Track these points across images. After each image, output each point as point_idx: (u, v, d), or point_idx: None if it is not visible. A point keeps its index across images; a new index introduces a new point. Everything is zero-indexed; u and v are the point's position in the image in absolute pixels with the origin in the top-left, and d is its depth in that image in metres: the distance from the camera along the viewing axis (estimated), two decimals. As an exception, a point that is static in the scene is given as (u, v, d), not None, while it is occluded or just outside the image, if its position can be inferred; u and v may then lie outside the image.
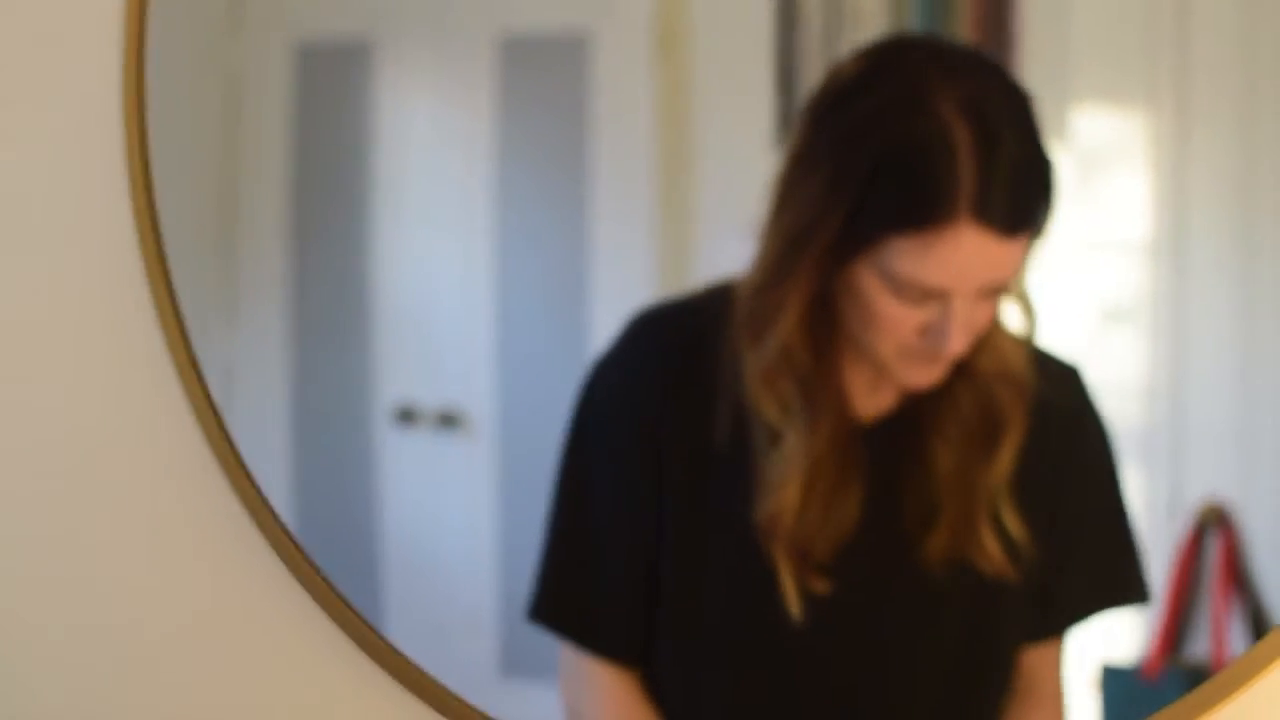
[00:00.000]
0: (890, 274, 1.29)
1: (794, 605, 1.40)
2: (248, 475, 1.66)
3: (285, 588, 1.68)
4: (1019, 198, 1.29)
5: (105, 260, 1.75)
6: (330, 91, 1.86)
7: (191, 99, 1.86)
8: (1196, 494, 1.58)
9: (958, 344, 1.33)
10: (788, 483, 1.39)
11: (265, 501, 1.67)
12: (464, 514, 1.77)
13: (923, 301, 1.31)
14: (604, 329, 1.67)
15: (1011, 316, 1.42)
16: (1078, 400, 1.44)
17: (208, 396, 1.67)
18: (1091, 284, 1.61)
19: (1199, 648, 1.58)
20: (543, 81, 1.80)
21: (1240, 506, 1.57)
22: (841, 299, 1.35)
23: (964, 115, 1.27)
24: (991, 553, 1.40)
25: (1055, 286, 1.57)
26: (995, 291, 1.32)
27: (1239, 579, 1.58)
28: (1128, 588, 1.49)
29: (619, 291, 1.68)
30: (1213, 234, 1.60)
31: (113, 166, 1.73)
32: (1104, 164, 1.62)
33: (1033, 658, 1.48)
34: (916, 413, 1.40)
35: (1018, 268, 1.31)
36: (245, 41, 1.89)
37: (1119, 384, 1.63)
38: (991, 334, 1.39)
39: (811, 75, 1.70)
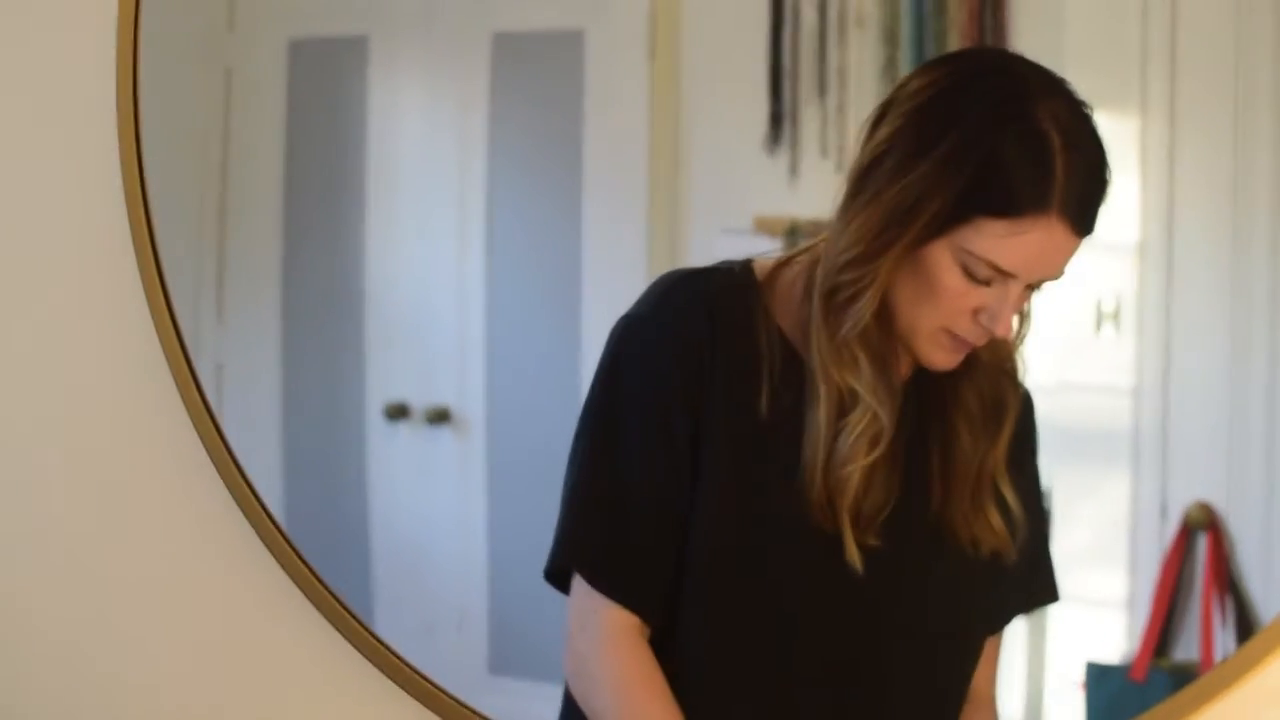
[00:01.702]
0: (970, 253, 1.40)
1: (855, 560, 1.46)
2: (241, 473, 1.67)
3: (276, 581, 1.69)
4: (1093, 203, 1.42)
5: (99, 257, 1.75)
6: (323, 88, 1.86)
7: (185, 96, 1.86)
8: (1184, 496, 1.59)
9: (1006, 327, 1.43)
10: (860, 451, 1.44)
11: (259, 500, 1.67)
12: (454, 512, 1.78)
13: (987, 283, 1.39)
14: (595, 326, 1.67)
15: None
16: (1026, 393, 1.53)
17: (201, 394, 1.67)
18: (1081, 285, 1.62)
19: (1186, 648, 1.59)
20: (536, 81, 1.81)
21: (1228, 509, 1.58)
22: (899, 276, 1.43)
23: (1058, 122, 1.39)
24: (997, 529, 1.46)
25: (1046, 286, 1.58)
26: (1041, 285, 1.42)
27: (1226, 581, 1.58)
28: (1047, 590, 1.55)
29: (610, 289, 1.68)
30: (1201, 237, 1.61)
31: (107, 164, 1.73)
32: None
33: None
34: (932, 390, 1.47)
35: (1068, 264, 1.41)
36: (239, 39, 1.89)
37: (1107, 385, 1.63)
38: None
39: (804, 75, 1.71)
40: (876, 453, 1.45)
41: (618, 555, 1.49)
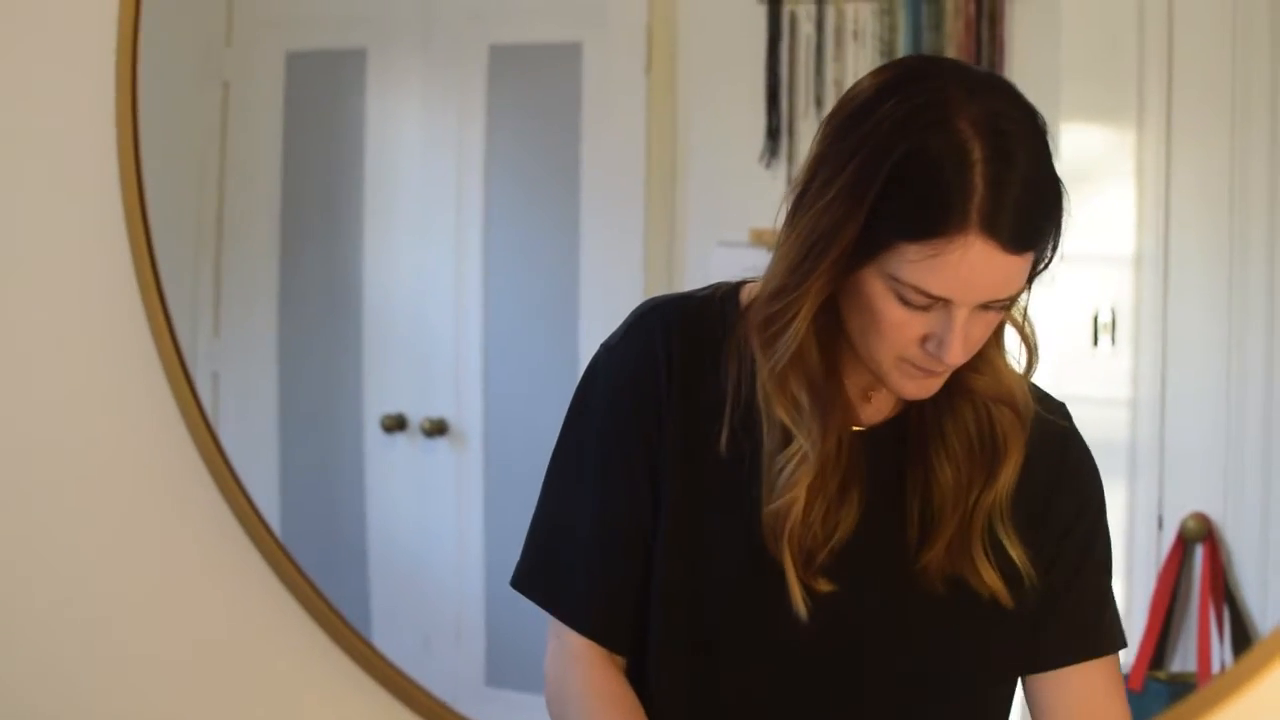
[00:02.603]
0: (898, 280, 1.32)
1: (799, 605, 1.42)
2: (240, 486, 1.67)
3: (273, 593, 1.69)
4: (1026, 216, 1.30)
5: (98, 267, 1.75)
6: (321, 101, 1.86)
7: (183, 110, 1.87)
8: (1181, 507, 1.59)
9: (956, 354, 1.34)
10: (796, 483, 1.41)
11: (258, 513, 1.67)
12: (451, 524, 1.78)
13: (926, 309, 1.34)
14: (592, 338, 1.67)
15: (1015, 347, 1.44)
16: (1071, 435, 1.46)
17: (199, 406, 1.68)
18: (1077, 297, 1.62)
19: (1183, 659, 1.59)
20: (533, 93, 1.81)
21: (1224, 520, 1.58)
22: (846, 306, 1.38)
23: (981, 131, 1.29)
24: (985, 575, 1.41)
25: (1041, 299, 1.58)
26: (996, 307, 1.34)
27: (1223, 591, 1.58)
28: (1107, 640, 1.50)
29: (607, 301, 1.68)
30: (1197, 249, 1.62)
31: (106, 178, 1.73)
32: (1091, 179, 1.63)
33: (1062, 682, 1.48)
34: (920, 424, 1.42)
35: (1020, 286, 1.34)
36: (237, 53, 1.89)
37: (1104, 397, 1.64)
38: (991, 356, 1.40)
39: (802, 87, 1.71)
40: (800, 489, 1.41)
41: (566, 583, 1.49)
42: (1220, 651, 1.58)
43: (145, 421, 1.75)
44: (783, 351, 1.37)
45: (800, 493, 1.37)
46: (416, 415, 1.77)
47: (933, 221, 1.27)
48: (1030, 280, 1.35)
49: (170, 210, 1.77)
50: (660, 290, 1.63)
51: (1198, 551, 1.59)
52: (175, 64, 1.83)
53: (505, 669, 1.73)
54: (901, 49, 1.69)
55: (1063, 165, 1.55)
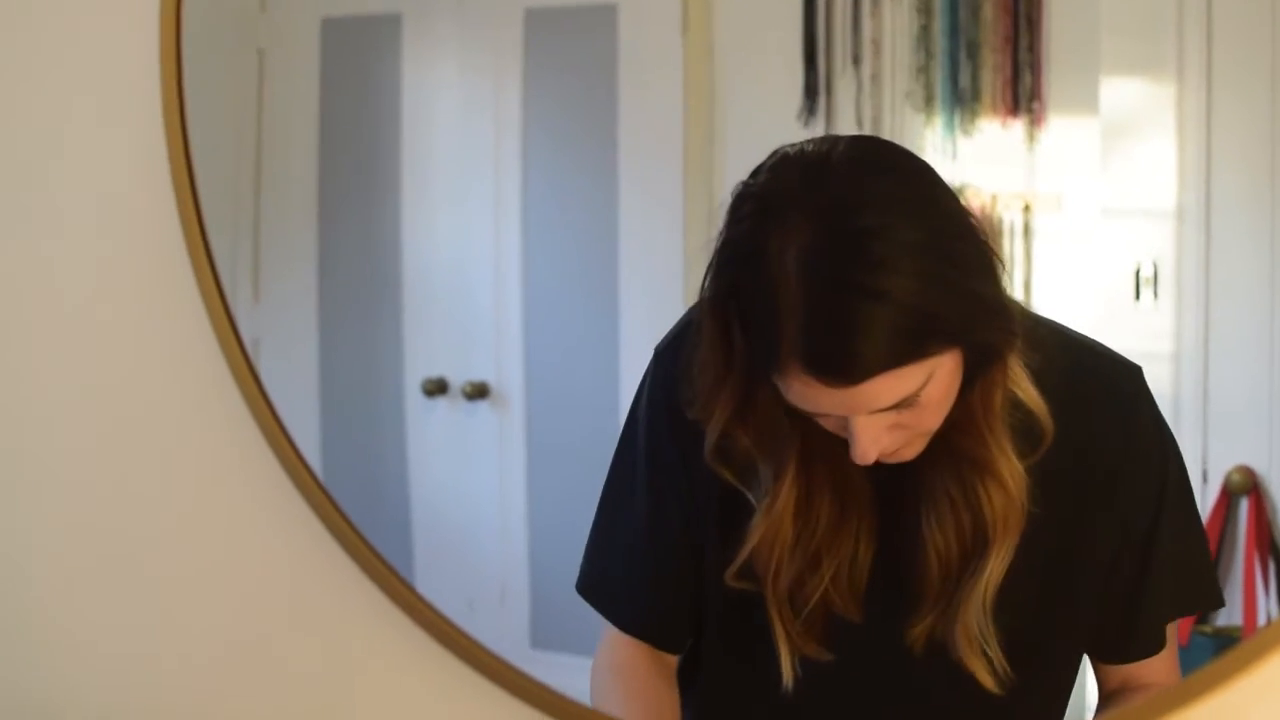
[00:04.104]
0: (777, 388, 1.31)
1: (787, 674, 1.42)
2: (289, 440, 1.66)
3: (326, 549, 1.68)
4: (848, 358, 1.25)
5: (146, 232, 1.75)
6: (357, 67, 1.86)
7: (219, 77, 1.86)
8: (1225, 461, 1.59)
9: (866, 457, 1.32)
10: (750, 534, 1.41)
11: (307, 467, 1.67)
12: (494, 488, 1.78)
13: (823, 415, 1.33)
14: (631, 300, 1.67)
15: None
16: (1128, 415, 1.43)
17: (249, 362, 1.67)
18: (1118, 251, 1.61)
19: (1229, 613, 1.59)
20: (569, 56, 1.81)
21: (1269, 473, 1.58)
22: None
23: (798, 268, 1.24)
24: (969, 661, 1.40)
25: (1084, 254, 1.58)
26: (906, 406, 1.31)
27: (1268, 544, 1.58)
28: (1203, 598, 1.48)
29: (646, 263, 1.68)
30: (1239, 201, 1.61)
31: (152, 140, 1.72)
32: (1132, 132, 1.63)
33: (1126, 671, 1.48)
34: (914, 485, 1.40)
35: (906, 392, 1.30)
36: (271, 19, 1.89)
37: (1146, 351, 1.63)
38: (977, 421, 1.37)
39: (839, 45, 1.70)
40: (753, 539, 1.40)
41: (619, 592, 1.50)
42: (1266, 604, 1.58)
43: (193, 379, 1.75)
44: (710, 435, 1.36)
45: (752, 543, 1.37)
46: (458, 379, 1.77)
47: (762, 360, 1.26)
48: (981, 354, 1.30)
49: (206, 179, 1.77)
50: (699, 250, 1.63)
51: (1242, 505, 1.59)
52: (210, 31, 1.82)
53: (550, 631, 1.73)
54: (938, 4, 1.68)
55: (1102, 120, 1.55)
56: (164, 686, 1.84)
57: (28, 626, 1.91)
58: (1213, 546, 1.59)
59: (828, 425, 1.33)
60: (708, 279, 1.31)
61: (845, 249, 1.25)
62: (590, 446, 1.69)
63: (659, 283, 1.64)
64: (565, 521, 1.73)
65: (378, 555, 1.63)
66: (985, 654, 1.37)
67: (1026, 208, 1.62)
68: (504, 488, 1.76)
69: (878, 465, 1.35)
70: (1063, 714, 1.46)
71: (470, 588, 1.70)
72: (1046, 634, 1.42)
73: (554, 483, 1.74)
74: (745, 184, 1.32)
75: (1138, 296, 1.61)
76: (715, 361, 1.32)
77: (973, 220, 1.33)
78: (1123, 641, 1.46)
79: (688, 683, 1.54)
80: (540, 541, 1.75)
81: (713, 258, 1.31)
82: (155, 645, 1.83)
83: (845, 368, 1.24)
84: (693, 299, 1.48)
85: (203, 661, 1.81)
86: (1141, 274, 1.61)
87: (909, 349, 1.25)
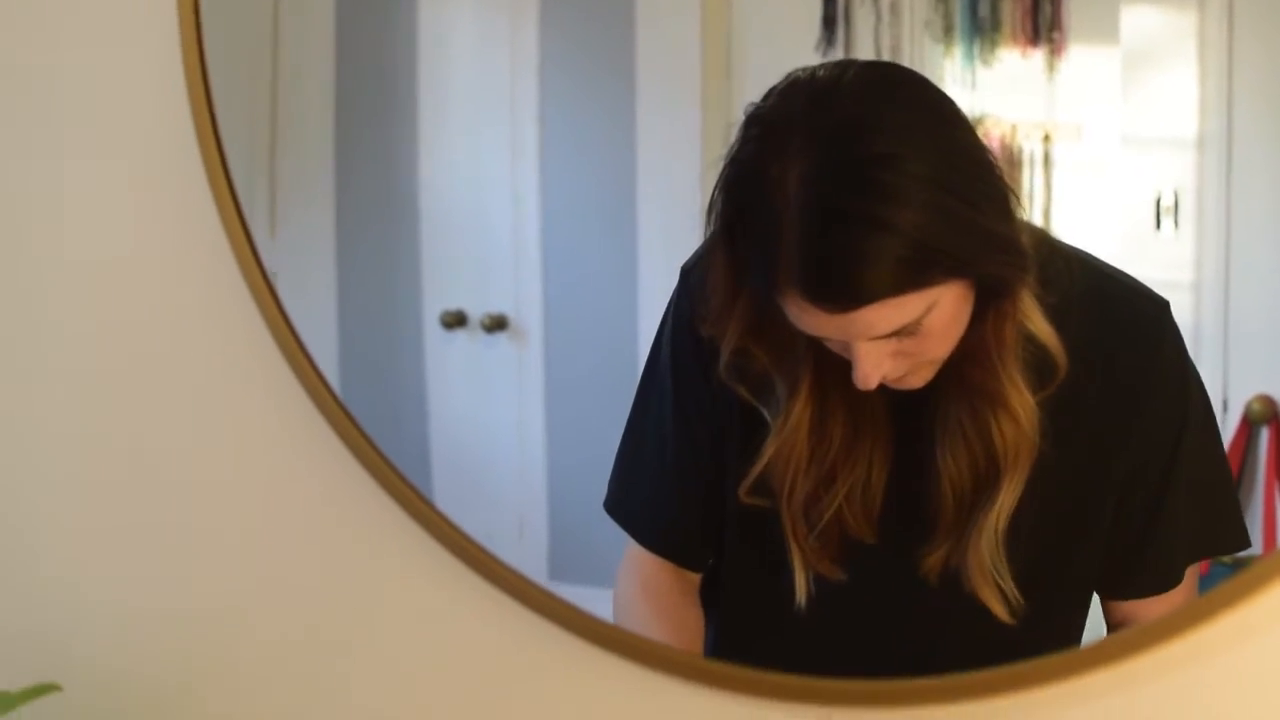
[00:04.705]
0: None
1: (800, 591, 1.43)
2: (314, 368, 1.66)
3: (354, 477, 1.69)
4: (844, 281, 1.25)
5: (167, 166, 1.75)
6: (373, 1, 1.85)
7: (235, 13, 1.85)
8: (1246, 390, 1.58)
9: (868, 381, 1.32)
10: (763, 452, 1.41)
11: (329, 387, 1.67)
12: (512, 420, 1.78)
13: (828, 341, 1.33)
14: (650, 232, 1.67)
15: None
16: (1150, 351, 1.43)
17: (273, 294, 1.67)
18: (1140, 181, 1.61)
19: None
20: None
21: (1290, 401, 1.57)
22: None
23: (798, 194, 1.25)
24: (981, 592, 1.40)
25: (1104, 183, 1.57)
26: (905, 334, 1.30)
27: (1289, 473, 1.58)
28: (1225, 540, 1.48)
29: (664, 195, 1.68)
30: (1261, 129, 1.60)
31: (171, 74, 1.72)
32: (1153, 61, 1.62)
33: (1137, 607, 1.48)
34: (929, 414, 1.40)
35: (906, 319, 1.29)
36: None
37: (1166, 281, 1.62)
38: (989, 352, 1.37)
39: (858, -27, 1.70)
40: (765, 456, 1.40)
41: (644, 510, 1.51)
42: (1287, 533, 1.58)
43: (216, 308, 1.75)
44: (725, 353, 1.36)
45: (766, 459, 1.37)
46: (476, 311, 1.76)
47: (761, 283, 1.25)
48: (995, 285, 1.30)
49: (223, 115, 1.76)
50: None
51: (1263, 434, 1.58)
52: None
53: (569, 563, 1.73)
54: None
55: (1123, 48, 1.54)
56: (185, 606, 1.85)
57: (50, 548, 1.92)
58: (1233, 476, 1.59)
59: (833, 347, 1.33)
60: (714, 197, 1.32)
61: (847, 176, 1.25)
62: (609, 378, 1.69)
63: (677, 215, 1.63)
64: (584, 454, 1.73)
65: (398, 473, 1.64)
66: (997, 584, 1.38)
67: (1046, 137, 1.61)
68: (523, 420, 1.76)
69: (893, 390, 1.35)
70: (1077, 644, 1.47)
71: (489, 520, 1.70)
72: (1059, 566, 1.42)
73: (573, 415, 1.74)
74: (755, 106, 1.32)
75: (1158, 226, 1.61)
76: (725, 280, 1.32)
77: (988, 154, 1.33)
78: (1131, 578, 1.46)
79: (711, 601, 1.55)
80: (559, 474, 1.75)
81: (719, 177, 1.31)
82: (180, 565, 1.84)
83: (840, 294, 1.25)
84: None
85: (226, 580, 1.82)
86: (1162, 203, 1.61)
87: (907, 278, 1.25)
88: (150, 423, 1.83)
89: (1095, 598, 1.49)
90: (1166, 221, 1.61)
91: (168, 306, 1.79)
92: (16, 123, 1.84)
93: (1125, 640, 1.39)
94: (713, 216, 1.32)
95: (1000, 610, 1.38)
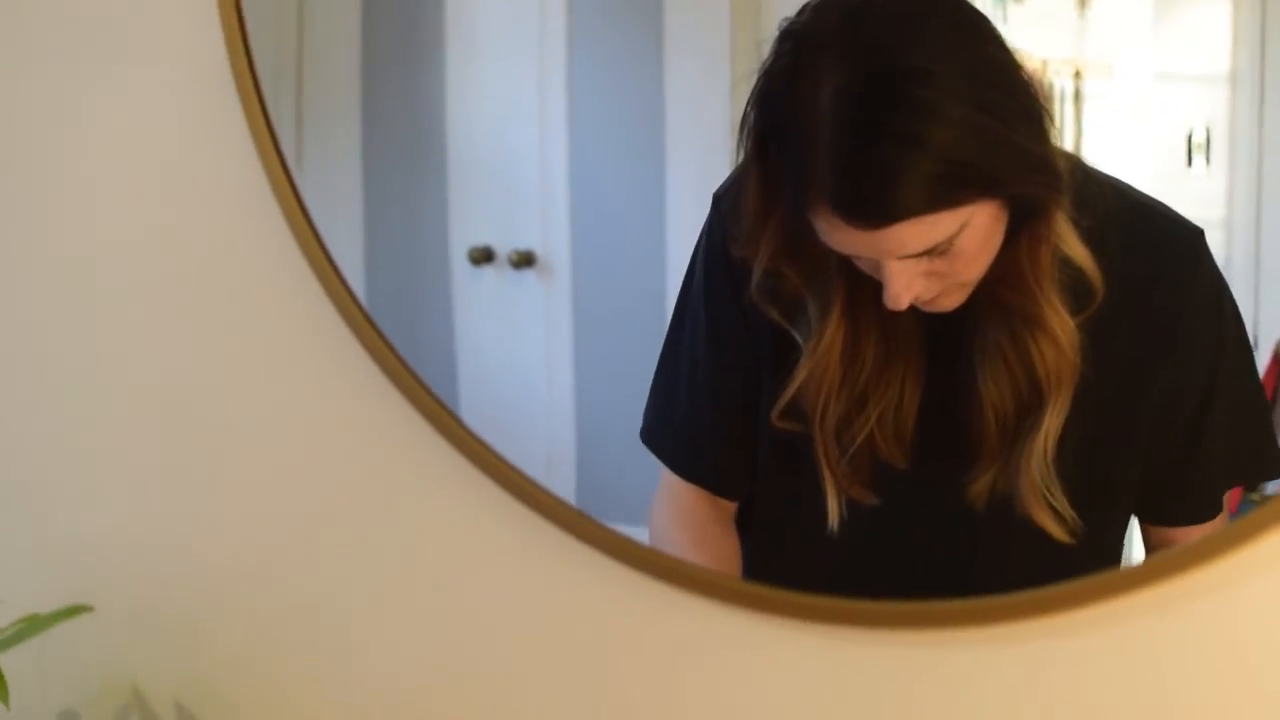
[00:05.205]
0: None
1: (833, 515, 1.43)
2: (352, 296, 1.66)
3: (368, 374, 1.70)
4: (875, 197, 1.25)
5: (203, 98, 1.76)
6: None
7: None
8: (1277, 327, 1.58)
9: (898, 301, 1.31)
10: (795, 376, 1.41)
11: (356, 300, 1.67)
12: (540, 357, 1.78)
13: (859, 260, 1.32)
14: (678, 168, 1.66)
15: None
16: (1186, 275, 1.42)
17: (308, 218, 1.66)
18: (1171, 117, 1.60)
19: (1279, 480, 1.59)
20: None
21: (1320, 338, 1.57)
22: None
23: (830, 109, 1.25)
24: (1036, 516, 1.40)
25: (1135, 120, 1.56)
26: (938, 252, 1.30)
27: (1319, 410, 1.58)
28: (1265, 466, 1.48)
29: (693, 128, 1.67)
30: (1293, 65, 1.59)
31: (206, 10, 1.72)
32: (1185, -4, 1.61)
33: (1175, 533, 1.48)
34: (968, 340, 1.40)
35: (940, 236, 1.29)
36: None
37: (1198, 218, 1.62)
38: (1024, 275, 1.36)
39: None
40: (798, 379, 1.40)
41: (679, 439, 1.51)
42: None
43: (252, 236, 1.76)
44: (757, 273, 1.35)
45: (798, 382, 1.37)
46: (504, 247, 1.76)
47: (793, 199, 1.25)
48: (1025, 202, 1.29)
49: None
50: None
51: (1293, 371, 1.58)
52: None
53: (596, 501, 1.73)
54: None
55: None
56: (216, 529, 1.86)
57: (79, 465, 1.93)
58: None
59: (864, 266, 1.33)
60: (747, 112, 1.31)
61: (879, 92, 1.25)
62: (637, 315, 1.69)
63: (706, 148, 1.62)
64: (612, 391, 1.72)
65: (425, 387, 1.64)
66: (1051, 506, 1.38)
67: (1077, 74, 1.60)
68: (551, 357, 1.76)
69: (929, 315, 1.35)
70: (1117, 562, 1.47)
71: (516, 458, 1.70)
72: (1107, 487, 1.42)
73: (601, 352, 1.73)
74: (789, 21, 1.32)
75: (1189, 162, 1.60)
76: (757, 198, 1.32)
77: (1024, 74, 1.32)
78: (1173, 504, 1.46)
79: (745, 527, 1.55)
80: (587, 411, 1.74)
81: (752, 92, 1.31)
82: (212, 490, 1.86)
83: (871, 211, 1.25)
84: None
85: (254, 494, 1.83)
86: (1194, 139, 1.60)
87: (939, 196, 1.25)
88: (183, 349, 1.84)
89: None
90: (1198, 158, 1.60)
91: (201, 234, 1.80)
92: (55, 46, 1.84)
93: (1164, 562, 1.39)
94: (745, 132, 1.32)
95: (1057, 531, 1.39)
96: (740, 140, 1.33)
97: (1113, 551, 1.46)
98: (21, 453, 1.95)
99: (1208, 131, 1.60)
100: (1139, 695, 1.46)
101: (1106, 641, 1.44)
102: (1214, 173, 1.60)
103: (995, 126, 1.27)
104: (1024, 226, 1.32)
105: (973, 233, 1.29)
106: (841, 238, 1.28)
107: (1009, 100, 1.29)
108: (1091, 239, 1.36)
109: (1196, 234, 1.42)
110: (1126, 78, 1.58)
